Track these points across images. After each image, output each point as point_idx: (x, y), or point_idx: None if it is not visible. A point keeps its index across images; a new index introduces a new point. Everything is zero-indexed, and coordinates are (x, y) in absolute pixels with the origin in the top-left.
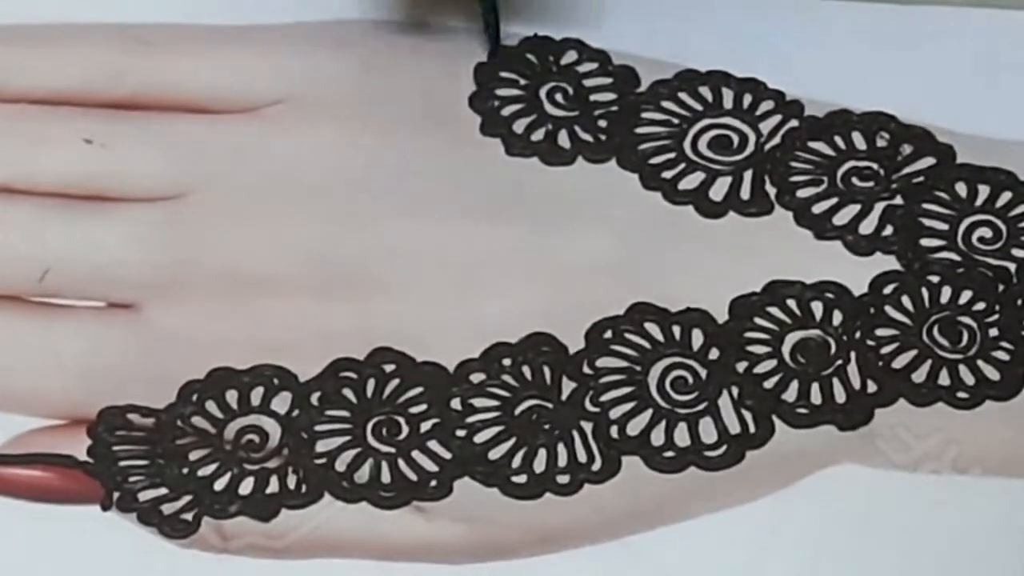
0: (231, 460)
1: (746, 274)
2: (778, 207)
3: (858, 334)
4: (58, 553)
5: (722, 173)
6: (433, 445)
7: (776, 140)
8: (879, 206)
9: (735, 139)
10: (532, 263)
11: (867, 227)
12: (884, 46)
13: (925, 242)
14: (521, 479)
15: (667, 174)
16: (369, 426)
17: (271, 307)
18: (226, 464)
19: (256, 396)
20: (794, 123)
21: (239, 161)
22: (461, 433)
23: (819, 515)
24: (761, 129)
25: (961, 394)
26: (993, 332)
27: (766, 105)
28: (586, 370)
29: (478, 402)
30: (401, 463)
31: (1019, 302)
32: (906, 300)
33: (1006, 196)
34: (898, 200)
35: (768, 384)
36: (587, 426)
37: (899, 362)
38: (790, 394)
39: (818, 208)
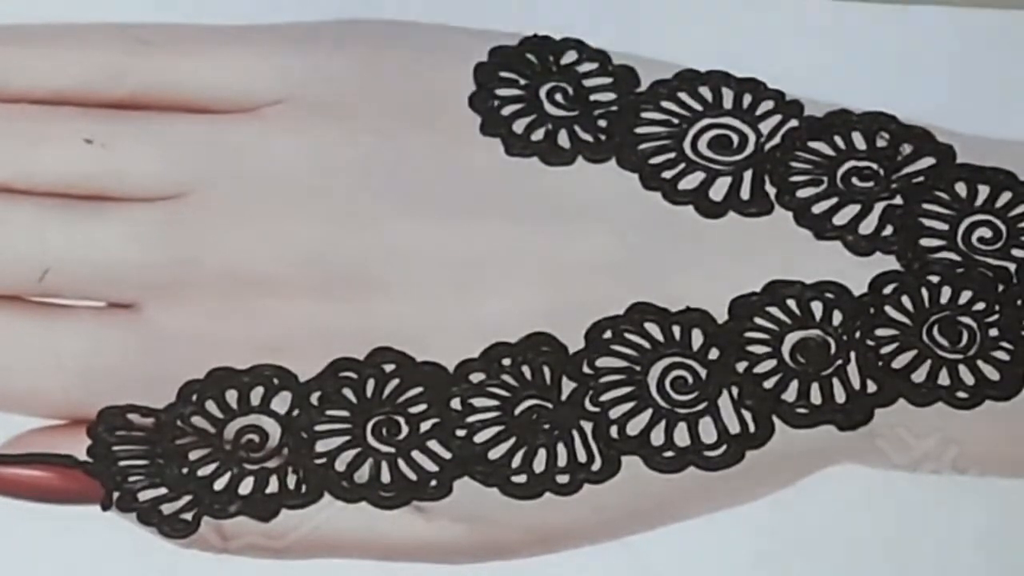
0: (231, 460)
1: (746, 274)
2: (778, 207)
3: (858, 334)
4: (58, 553)
5: (722, 173)
6: (433, 445)
7: (776, 140)
8: (879, 206)
9: (735, 139)
10: (532, 263)
11: (867, 227)
12: (884, 46)
13: (925, 242)
14: (521, 479)
15: (667, 174)
16: (369, 426)
17: (271, 307)
18: (226, 464)
19: (256, 396)
20: (794, 123)
21: (239, 161)
22: (461, 433)
23: (819, 515)
24: (761, 129)
25: (961, 394)
26: (993, 332)
27: (766, 105)
28: (586, 370)
29: (478, 402)
30: (401, 463)
31: (1019, 302)
32: (906, 300)
33: (1006, 196)
34: (898, 200)
35: (768, 384)
36: (587, 426)
37: (899, 362)
38: (790, 394)
39: (818, 208)
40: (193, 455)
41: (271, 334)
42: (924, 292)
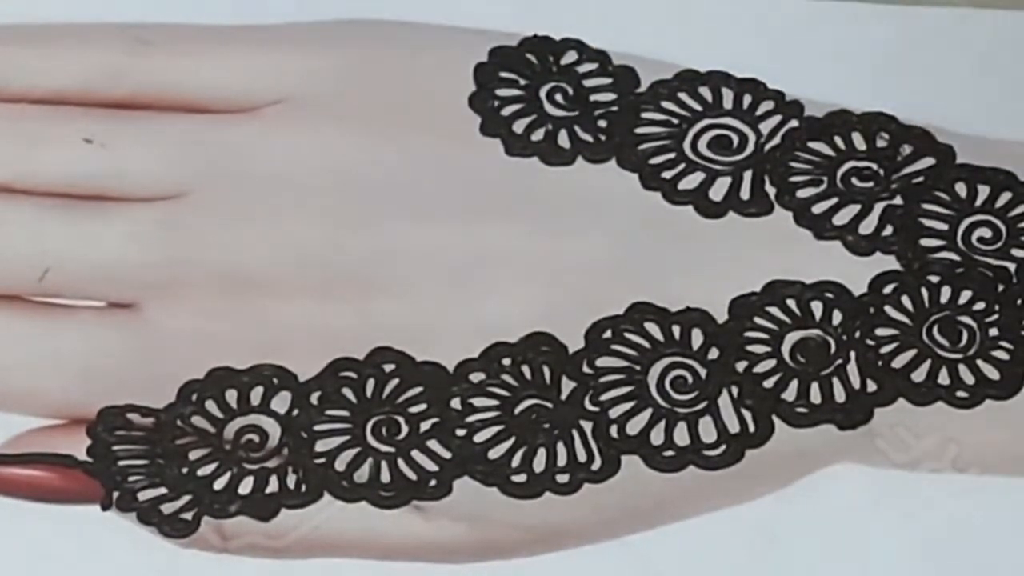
0: (231, 460)
1: (746, 274)
2: (778, 207)
3: (858, 334)
4: (58, 553)
5: (722, 173)
6: (433, 445)
7: (776, 140)
8: (879, 206)
9: (735, 139)
10: (532, 263)
11: (867, 227)
12: (884, 46)
13: (925, 242)
14: (521, 478)
15: (667, 174)
16: (369, 426)
17: (271, 307)
18: (226, 464)
19: (256, 396)
20: (794, 123)
21: (239, 161)
22: (461, 432)
23: (819, 515)
24: (761, 129)
25: (961, 394)
26: (993, 332)
27: (766, 105)
28: (586, 370)
29: (478, 402)
30: (401, 463)
31: (1019, 302)
32: (906, 300)
33: (1006, 196)
34: (898, 200)
35: (768, 384)
36: (587, 425)
37: (899, 362)
38: (790, 394)
39: (818, 208)
40: (193, 455)
41: (271, 334)
42: (924, 292)
